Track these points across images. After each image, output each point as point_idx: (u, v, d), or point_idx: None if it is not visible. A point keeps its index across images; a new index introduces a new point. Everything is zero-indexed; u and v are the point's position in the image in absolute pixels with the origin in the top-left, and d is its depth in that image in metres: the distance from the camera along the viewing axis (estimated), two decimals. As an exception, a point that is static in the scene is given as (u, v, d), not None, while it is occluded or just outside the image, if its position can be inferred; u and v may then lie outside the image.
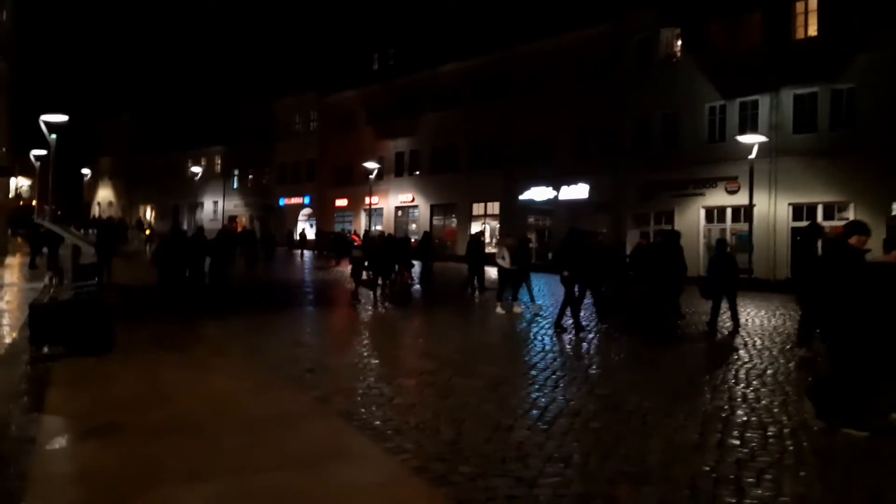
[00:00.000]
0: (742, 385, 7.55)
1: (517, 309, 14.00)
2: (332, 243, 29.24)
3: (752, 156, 21.04)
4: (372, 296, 15.86)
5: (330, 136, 44.30)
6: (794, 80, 22.81)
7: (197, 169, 52.09)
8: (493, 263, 15.41)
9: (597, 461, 4.97)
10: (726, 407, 6.62)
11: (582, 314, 11.54)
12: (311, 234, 41.50)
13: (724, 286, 11.49)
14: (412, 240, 25.38)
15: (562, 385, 7.34)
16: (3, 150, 25.56)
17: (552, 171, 30.07)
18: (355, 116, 42.54)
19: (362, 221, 41.22)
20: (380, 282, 16.94)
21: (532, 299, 14.73)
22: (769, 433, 5.73)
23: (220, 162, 54.70)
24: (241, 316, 12.77)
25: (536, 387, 7.29)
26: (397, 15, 39.24)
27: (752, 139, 21.30)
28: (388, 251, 17.27)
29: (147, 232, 36.72)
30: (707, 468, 4.88)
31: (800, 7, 23.03)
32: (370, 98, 41.16)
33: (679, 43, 26.73)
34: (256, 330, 11.24)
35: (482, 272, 17.15)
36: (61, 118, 24.07)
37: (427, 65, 36.56)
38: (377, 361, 8.74)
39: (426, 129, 37.18)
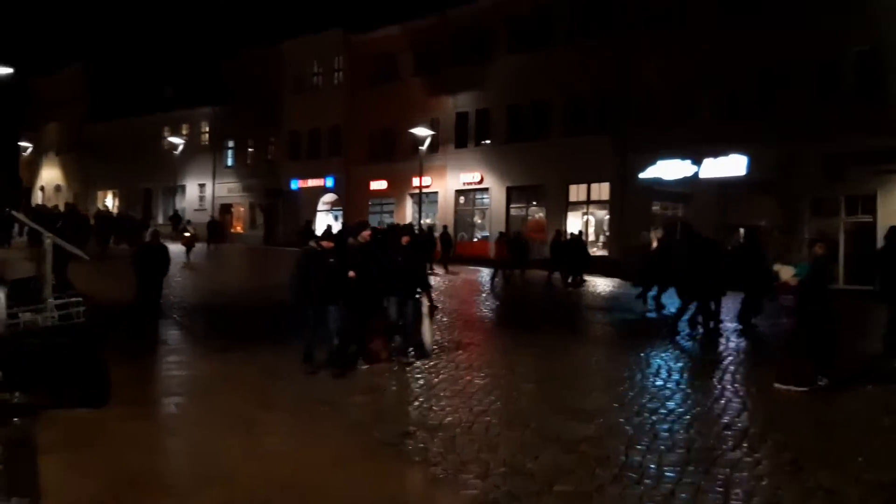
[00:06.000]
0: None
1: None
2: (510, 243, 28.21)
3: None
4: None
5: (362, 92, 44.41)
6: None
7: (177, 140, 52.54)
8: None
9: None
10: None
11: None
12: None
13: None
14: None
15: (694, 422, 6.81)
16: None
17: (690, 136, 29.27)
18: (398, 63, 42.54)
19: (408, 211, 41.06)
20: None
21: None
22: None
23: (208, 129, 55.49)
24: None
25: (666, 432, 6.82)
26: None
27: None
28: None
29: (188, 234, 33.90)
30: None
31: None
32: (418, 36, 41.08)
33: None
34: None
35: None
36: (5, 70, 24.51)
37: (501, -13, 36.35)
38: (503, 421, 8.32)
39: (500, 80, 36.83)
